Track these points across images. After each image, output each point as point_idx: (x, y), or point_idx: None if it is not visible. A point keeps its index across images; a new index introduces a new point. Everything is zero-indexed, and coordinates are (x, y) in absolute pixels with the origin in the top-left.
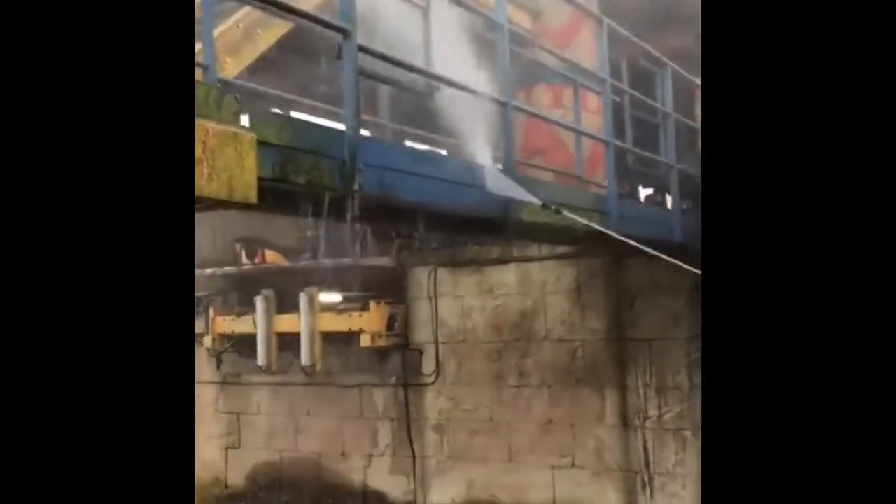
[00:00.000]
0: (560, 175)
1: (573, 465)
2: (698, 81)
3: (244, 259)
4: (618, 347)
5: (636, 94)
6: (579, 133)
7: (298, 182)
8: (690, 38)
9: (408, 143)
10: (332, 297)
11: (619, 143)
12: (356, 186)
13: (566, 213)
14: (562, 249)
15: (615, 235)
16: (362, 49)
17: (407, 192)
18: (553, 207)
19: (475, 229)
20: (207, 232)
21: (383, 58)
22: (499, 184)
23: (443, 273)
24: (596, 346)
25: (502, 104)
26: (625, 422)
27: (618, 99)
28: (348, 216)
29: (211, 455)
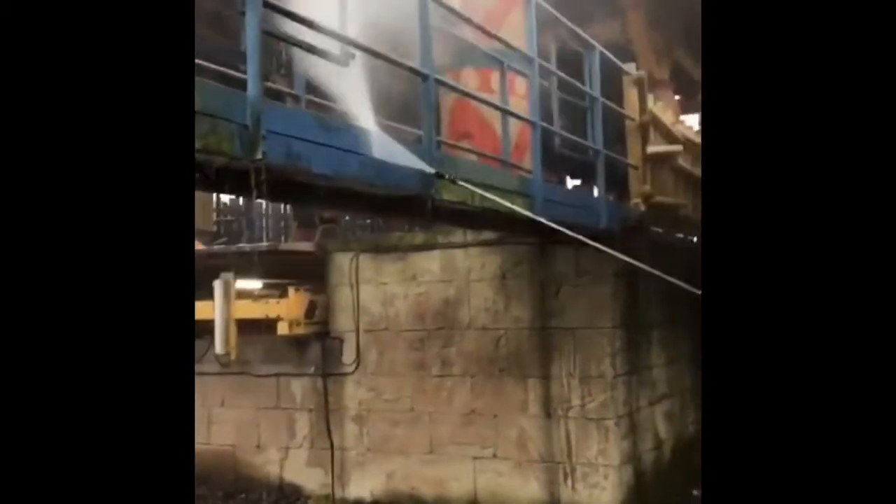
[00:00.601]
0: (487, 160)
1: (495, 455)
2: (626, 67)
3: None
4: (542, 336)
5: (563, 75)
6: (505, 113)
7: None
8: (617, 27)
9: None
10: (249, 283)
11: (545, 125)
12: (259, 155)
13: (476, 189)
14: (487, 236)
15: (534, 217)
16: (267, 5)
17: (317, 165)
18: (448, 176)
19: (393, 209)
20: None
21: (289, 15)
22: (386, 150)
23: (365, 259)
24: (520, 334)
25: (423, 77)
26: (548, 412)
27: (546, 84)
28: (251, 189)
29: None
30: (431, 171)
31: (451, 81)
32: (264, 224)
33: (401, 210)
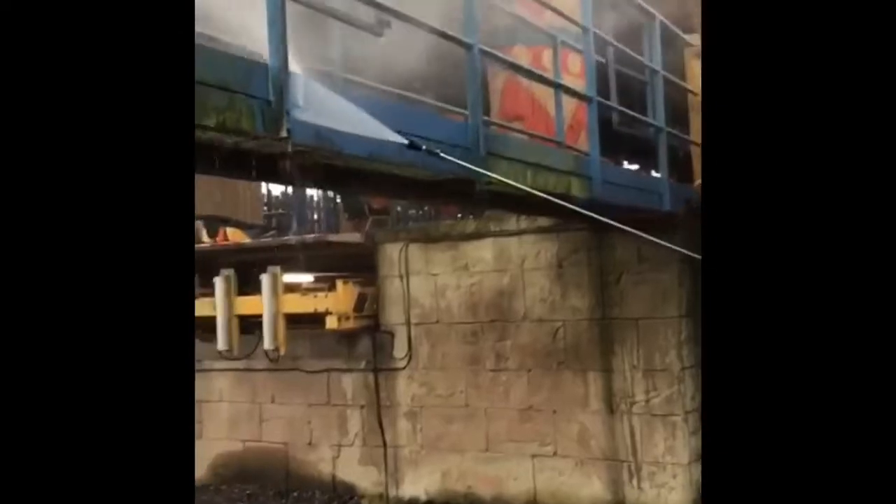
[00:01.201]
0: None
1: (555, 453)
2: (689, 38)
3: (205, 238)
4: (602, 327)
5: (622, 46)
6: (558, 88)
7: (207, 125)
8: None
9: None
10: (297, 276)
11: (602, 100)
12: (283, 133)
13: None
14: (542, 222)
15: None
16: None
17: (351, 145)
18: (424, 148)
19: (438, 194)
20: None
21: None
22: (353, 121)
23: (415, 249)
24: (578, 326)
25: (467, 46)
26: (610, 407)
27: (603, 60)
28: (276, 173)
29: None
30: (403, 141)
31: (497, 53)
32: (314, 217)
33: (446, 195)
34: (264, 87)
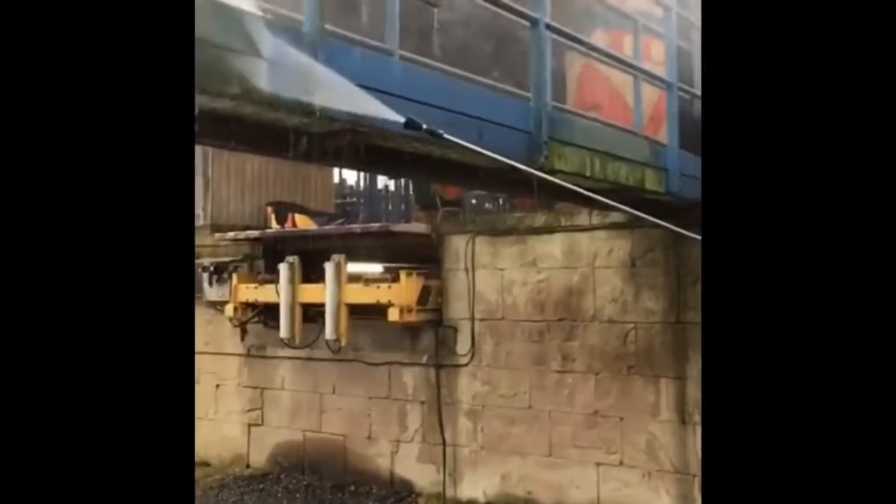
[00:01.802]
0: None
1: (621, 463)
2: None
3: (273, 223)
4: (677, 332)
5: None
6: (636, 72)
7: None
8: None
9: None
10: (364, 266)
11: (684, 86)
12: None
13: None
14: (616, 217)
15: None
16: None
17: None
18: (425, 127)
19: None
20: (237, 194)
21: None
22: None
23: (482, 242)
24: (651, 329)
25: (533, 21)
26: (682, 417)
27: (685, 45)
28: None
29: (232, 431)
30: (400, 119)
31: (565, 29)
32: (387, 206)
33: (506, 184)
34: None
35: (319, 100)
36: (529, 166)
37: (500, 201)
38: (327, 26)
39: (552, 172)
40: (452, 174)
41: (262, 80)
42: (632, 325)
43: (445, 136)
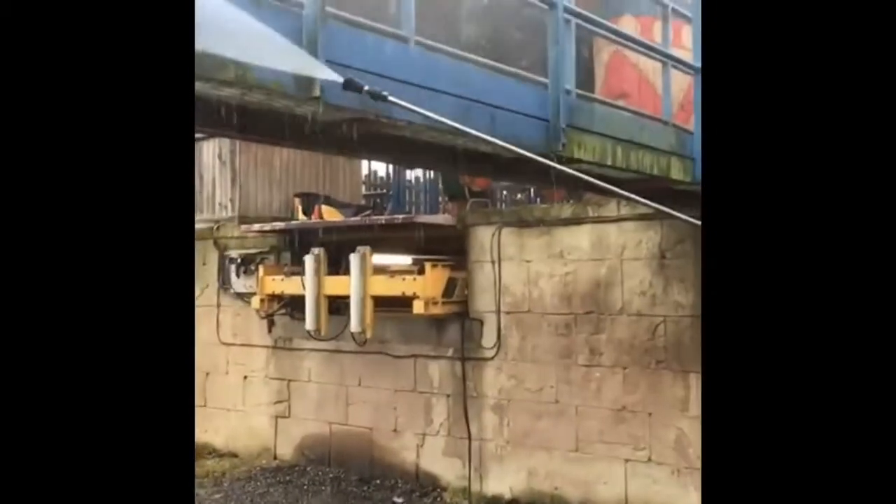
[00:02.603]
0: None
1: (649, 459)
2: None
3: (300, 215)
4: None
5: None
6: (663, 57)
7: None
8: None
9: None
10: (391, 258)
11: None
12: (316, 93)
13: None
14: (644, 209)
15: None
16: None
17: (403, 111)
18: (366, 88)
19: (510, 169)
20: (264, 185)
21: None
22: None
23: (508, 234)
24: (681, 323)
25: (550, 4)
26: None
27: None
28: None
29: (260, 423)
30: (338, 78)
31: (584, 13)
32: (416, 198)
33: (524, 173)
34: (296, 38)
35: (245, 56)
36: (547, 154)
37: (531, 192)
38: (338, 11)
39: (571, 160)
40: (468, 163)
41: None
42: (661, 319)
43: (390, 98)
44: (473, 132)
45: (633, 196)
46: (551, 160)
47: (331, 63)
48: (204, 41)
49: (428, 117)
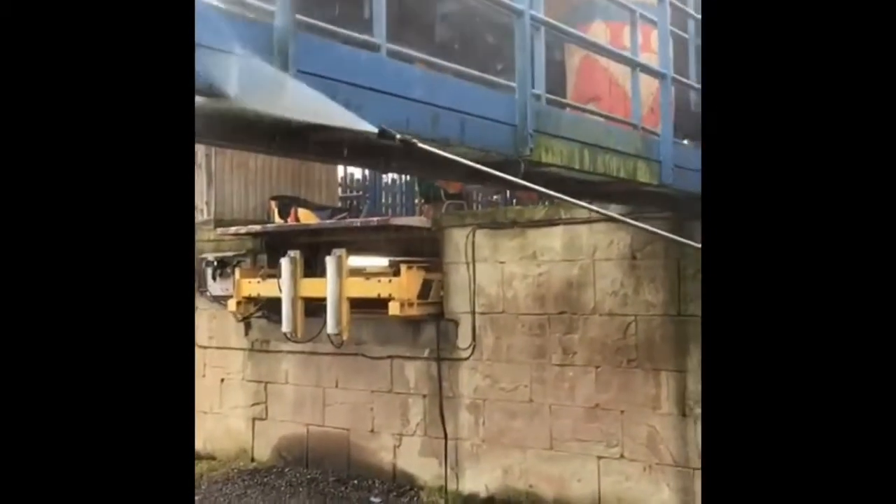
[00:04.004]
0: (616, 124)
1: (622, 456)
2: None
3: (277, 218)
4: (678, 325)
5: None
6: (629, 63)
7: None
8: None
9: None
10: (368, 260)
11: (678, 77)
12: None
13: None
14: (615, 209)
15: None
16: None
17: (375, 118)
18: (399, 137)
19: (478, 174)
20: (240, 189)
21: None
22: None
23: (482, 235)
24: (652, 322)
25: (517, 13)
26: (683, 410)
27: (685, 35)
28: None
29: (237, 425)
30: (374, 129)
31: (550, 20)
32: (393, 200)
33: (489, 178)
34: (269, 48)
35: (289, 114)
36: (515, 158)
37: (507, 194)
38: (307, 19)
39: (539, 164)
40: (439, 170)
41: (232, 89)
42: (632, 318)
43: (420, 144)
44: (463, 160)
45: (589, 206)
46: (519, 165)
47: (302, 73)
48: (257, 100)
49: (446, 158)
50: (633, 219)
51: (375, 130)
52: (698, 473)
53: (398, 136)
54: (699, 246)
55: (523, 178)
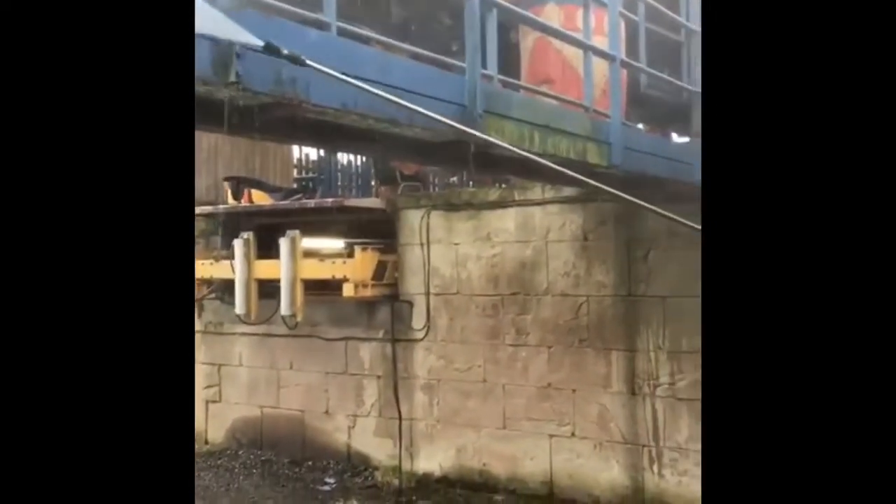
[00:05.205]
0: (568, 106)
1: (573, 434)
2: None
3: (230, 199)
4: (628, 305)
5: (653, 2)
6: (577, 45)
7: None
8: None
9: None
10: (323, 241)
11: (627, 60)
12: (232, 78)
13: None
14: (568, 192)
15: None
16: None
17: (319, 95)
18: (285, 52)
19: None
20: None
21: None
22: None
23: (437, 217)
24: (603, 302)
25: None
26: (633, 389)
27: (635, 18)
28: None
29: None
30: (258, 42)
31: (510, 5)
32: (350, 182)
33: (442, 158)
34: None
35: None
36: (463, 138)
37: (464, 176)
38: None
39: (488, 146)
40: (391, 149)
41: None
42: (584, 298)
43: (308, 62)
44: (396, 100)
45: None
46: (468, 146)
47: (248, 50)
48: None
49: (342, 80)
50: (583, 200)
51: (261, 44)
52: (647, 450)
53: (285, 51)
54: (658, 212)
55: (473, 159)
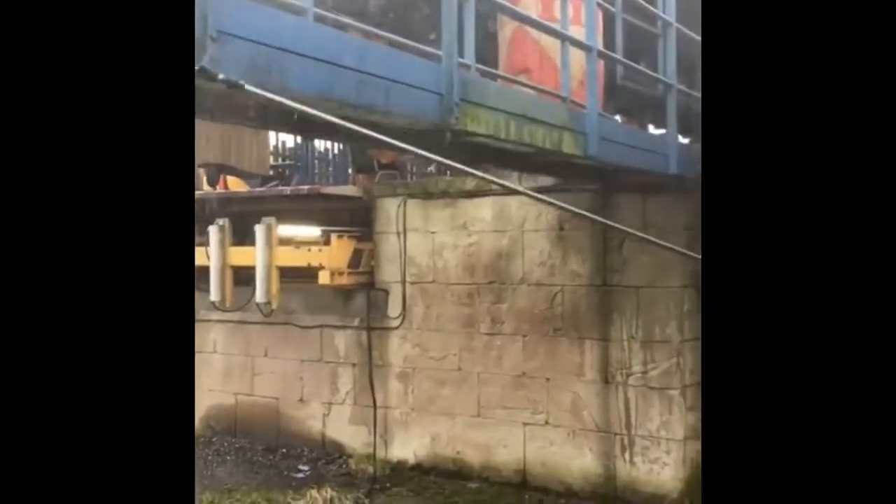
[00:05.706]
0: (545, 96)
1: (547, 423)
2: None
3: (205, 185)
4: (602, 294)
5: None
6: (554, 35)
7: None
8: None
9: None
10: (300, 229)
11: (604, 50)
12: (205, 62)
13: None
14: (544, 182)
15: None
16: None
17: (296, 81)
18: (221, 77)
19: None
20: None
21: None
22: None
23: (413, 205)
24: (577, 292)
25: None
26: (606, 378)
27: (612, 8)
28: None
29: None
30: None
31: None
32: (327, 169)
33: (417, 145)
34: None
35: None
36: (440, 127)
37: (442, 165)
38: None
39: (465, 134)
40: (363, 137)
41: None
42: (559, 288)
43: (247, 87)
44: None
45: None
46: (444, 134)
47: (224, 34)
48: None
49: (282, 103)
50: (560, 190)
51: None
52: (619, 439)
53: (220, 76)
54: (612, 224)
55: (449, 148)
